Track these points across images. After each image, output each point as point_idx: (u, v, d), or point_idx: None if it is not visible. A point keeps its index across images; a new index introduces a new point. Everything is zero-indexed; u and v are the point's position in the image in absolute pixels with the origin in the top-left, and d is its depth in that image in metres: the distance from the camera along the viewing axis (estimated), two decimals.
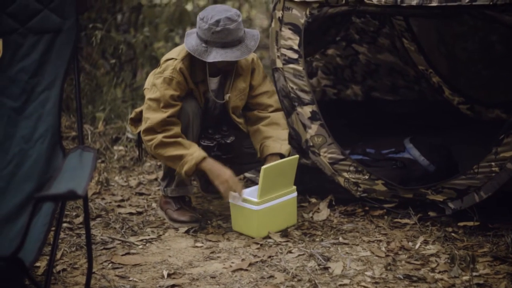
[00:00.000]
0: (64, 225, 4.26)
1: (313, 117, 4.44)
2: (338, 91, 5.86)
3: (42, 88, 3.38)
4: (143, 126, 4.16)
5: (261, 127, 4.37)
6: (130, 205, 4.71)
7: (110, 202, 4.74)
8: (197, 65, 4.24)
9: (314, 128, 4.45)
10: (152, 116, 4.13)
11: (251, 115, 4.48)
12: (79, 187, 2.61)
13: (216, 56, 4.07)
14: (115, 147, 5.68)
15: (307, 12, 4.39)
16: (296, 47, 4.43)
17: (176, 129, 4.15)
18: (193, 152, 4.10)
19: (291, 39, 4.42)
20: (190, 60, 4.22)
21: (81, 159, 3.07)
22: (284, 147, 4.26)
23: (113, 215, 4.49)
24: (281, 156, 4.23)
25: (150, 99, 4.17)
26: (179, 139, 4.13)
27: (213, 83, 4.38)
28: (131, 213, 4.55)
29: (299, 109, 4.46)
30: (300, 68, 4.44)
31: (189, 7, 7.47)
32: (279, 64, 4.48)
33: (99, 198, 4.81)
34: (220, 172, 4.12)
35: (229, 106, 4.38)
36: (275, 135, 4.31)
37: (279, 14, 4.45)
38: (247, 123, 4.49)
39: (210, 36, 4.07)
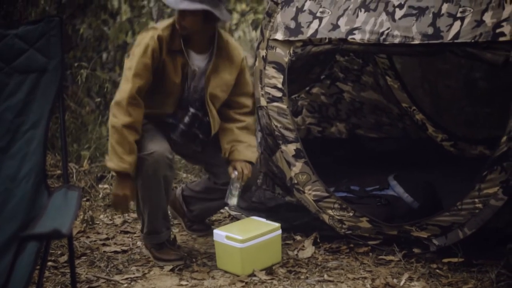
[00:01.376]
0: (49, 263, 4.24)
1: (297, 155, 4.47)
2: (323, 129, 5.89)
3: (27, 127, 3.39)
4: (115, 97, 4.21)
5: (235, 129, 4.40)
6: (115, 243, 4.69)
7: (95, 241, 4.72)
8: (176, 36, 4.21)
9: (298, 166, 4.47)
10: (123, 88, 4.17)
11: (226, 113, 4.48)
12: (63, 226, 2.61)
13: (188, 4, 4.05)
14: (100, 186, 5.66)
15: (291, 51, 4.44)
16: (280, 86, 4.47)
17: (136, 117, 4.14)
18: (122, 160, 4.09)
19: (275, 78, 4.46)
20: (171, 31, 4.21)
21: (66, 198, 3.08)
22: (254, 155, 4.34)
23: (98, 254, 4.47)
24: (250, 163, 4.32)
25: (125, 68, 4.21)
26: (129, 139, 4.11)
27: (197, 59, 4.32)
28: (116, 252, 4.52)
29: (283, 147, 4.49)
30: (284, 106, 4.48)
31: None
32: (263, 102, 4.52)
33: (84, 237, 4.79)
34: (118, 189, 4.16)
35: (206, 91, 4.32)
36: (247, 141, 4.37)
37: (263, 53, 4.50)
38: (221, 119, 4.45)
39: None
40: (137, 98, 4.14)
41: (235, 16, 8.04)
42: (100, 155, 6.15)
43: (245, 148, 4.33)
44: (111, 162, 4.10)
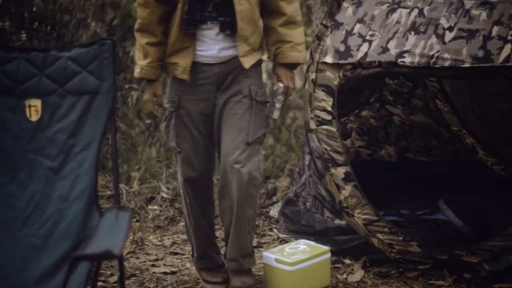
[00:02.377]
0: (99, 283, 4.28)
1: (347, 178, 4.46)
2: (372, 152, 5.87)
3: (79, 148, 3.42)
4: None
5: (278, 27, 4.02)
6: (164, 264, 4.71)
7: (145, 262, 4.74)
8: None
9: (348, 189, 4.46)
10: None
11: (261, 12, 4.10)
12: (115, 247, 2.62)
13: None
14: (149, 207, 5.69)
15: (340, 74, 4.44)
16: (329, 109, 4.47)
17: (145, 18, 3.98)
18: (137, 66, 4.05)
19: (324, 101, 4.47)
20: None
21: (117, 219, 3.09)
22: (301, 54, 4.03)
23: (148, 275, 4.49)
24: (294, 65, 4.10)
25: None
26: (141, 42, 4.01)
27: None
28: (165, 273, 4.54)
29: (333, 170, 4.48)
30: (333, 129, 4.47)
31: None
32: (312, 125, 4.52)
33: (134, 257, 4.81)
34: (144, 94, 4.15)
35: None
36: (293, 40, 4.02)
37: (312, 76, 4.51)
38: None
39: None
40: None
41: None
42: (150, 176, 6.18)
43: (291, 49, 4.00)
44: (135, 72, 4.11)
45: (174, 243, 5.07)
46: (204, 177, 4.15)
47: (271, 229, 5.19)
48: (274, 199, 5.78)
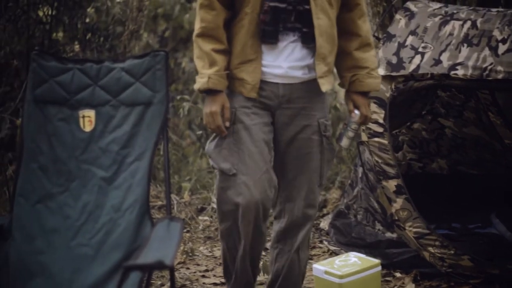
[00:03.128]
0: None
1: (398, 191, 4.43)
2: (424, 164, 5.83)
3: (132, 159, 3.45)
4: None
5: (353, 51, 3.62)
6: (214, 275, 4.71)
7: (195, 272, 4.75)
8: None
9: (399, 202, 4.44)
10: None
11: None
12: (166, 257, 2.62)
13: None
14: (200, 217, 5.71)
15: (393, 86, 4.43)
16: (381, 121, 4.45)
17: (210, 21, 3.48)
18: (201, 75, 3.49)
19: (376, 113, 4.45)
20: None
21: (169, 229, 3.10)
22: (377, 81, 3.67)
23: (198, 285, 4.51)
24: (368, 95, 3.72)
25: None
26: (204, 48, 3.48)
27: None
28: (215, 284, 4.55)
29: (384, 183, 4.46)
30: (385, 141, 4.46)
31: None
32: (364, 137, 4.50)
33: (184, 268, 4.83)
34: (206, 106, 3.56)
35: None
36: (369, 65, 3.63)
37: None
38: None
39: None
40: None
41: None
42: (200, 187, 6.20)
43: (367, 75, 3.61)
44: (197, 83, 3.55)
45: None
46: (261, 207, 3.52)
47: (321, 241, 5.17)
48: (325, 211, 5.77)
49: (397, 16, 4.56)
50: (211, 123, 3.51)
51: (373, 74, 3.63)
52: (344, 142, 3.78)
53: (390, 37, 4.52)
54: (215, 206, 5.44)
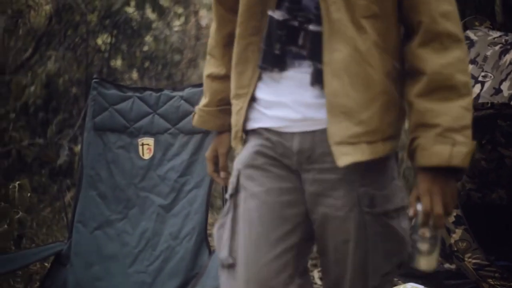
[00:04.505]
0: None
1: (457, 222, 4.38)
2: (483, 195, 5.75)
3: (190, 187, 3.49)
4: None
5: (414, 99, 2.13)
6: None
7: None
8: None
9: (458, 232, 4.38)
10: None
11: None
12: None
13: None
14: None
15: None
16: None
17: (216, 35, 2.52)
18: (199, 110, 2.60)
19: None
20: None
21: None
22: (460, 149, 2.05)
23: None
24: (447, 170, 2.09)
25: None
26: (206, 74, 2.55)
27: None
28: None
29: None
30: None
31: None
32: None
33: None
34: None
35: None
36: (442, 121, 2.07)
37: None
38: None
39: None
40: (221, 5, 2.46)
41: None
42: None
43: (436, 139, 2.07)
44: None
45: None
46: None
47: None
48: None
49: None
50: (209, 168, 2.62)
51: (450, 137, 2.06)
52: (420, 260, 2.28)
53: None
54: None
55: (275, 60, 2.19)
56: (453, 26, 2.10)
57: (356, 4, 2.09)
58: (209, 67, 2.53)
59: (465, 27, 4.45)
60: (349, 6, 2.09)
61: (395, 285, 4.54)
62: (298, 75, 2.18)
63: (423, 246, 2.19)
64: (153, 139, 3.56)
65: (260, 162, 2.24)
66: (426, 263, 2.25)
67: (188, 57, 7.24)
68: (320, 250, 2.28)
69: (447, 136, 2.05)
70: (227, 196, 2.34)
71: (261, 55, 2.21)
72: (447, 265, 4.47)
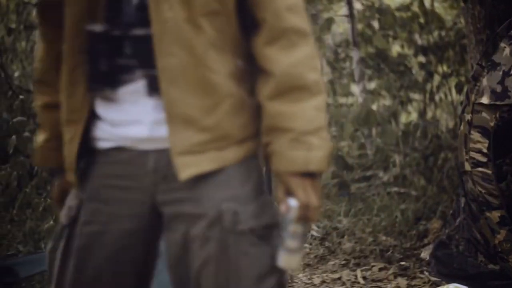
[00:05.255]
0: None
1: (502, 222, 4.20)
2: None
3: None
4: None
5: (265, 102, 1.98)
6: None
7: None
8: None
9: (502, 233, 4.19)
10: None
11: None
12: None
13: None
14: None
15: (497, 115, 4.35)
16: (485, 151, 4.34)
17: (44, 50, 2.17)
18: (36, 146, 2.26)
19: (480, 142, 4.37)
20: None
21: None
22: (316, 153, 1.94)
23: None
24: (307, 175, 1.95)
25: None
26: (38, 104, 2.21)
27: None
28: None
29: (487, 214, 4.26)
30: (489, 171, 4.30)
31: (375, 107, 6.88)
32: (467, 167, 4.41)
33: None
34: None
35: None
36: (296, 125, 1.94)
37: (468, 117, 4.46)
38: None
39: None
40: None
41: (436, 78, 7.16)
42: None
43: (292, 143, 1.94)
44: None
45: (323, 282, 4.97)
46: None
47: (422, 272, 4.81)
48: (425, 241, 5.28)
49: (502, 44, 4.43)
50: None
51: (305, 141, 1.95)
52: (284, 260, 2.01)
53: (494, 65, 4.42)
54: (314, 233, 5.49)
55: (104, 78, 1.99)
56: (300, 20, 1.97)
57: (193, 0, 1.91)
58: (42, 96, 2.18)
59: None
60: (184, 3, 1.90)
61: (439, 286, 4.50)
62: (134, 88, 1.96)
63: (293, 244, 2.00)
64: None
65: (105, 197, 2.03)
66: (291, 261, 2.04)
67: None
68: (178, 277, 2.04)
69: (302, 141, 1.94)
70: (62, 220, 2.12)
71: (88, 75, 2.00)
72: (491, 266, 4.45)
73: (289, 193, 1.95)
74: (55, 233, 2.16)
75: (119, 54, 1.95)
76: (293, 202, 1.95)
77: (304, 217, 1.95)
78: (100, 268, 2.02)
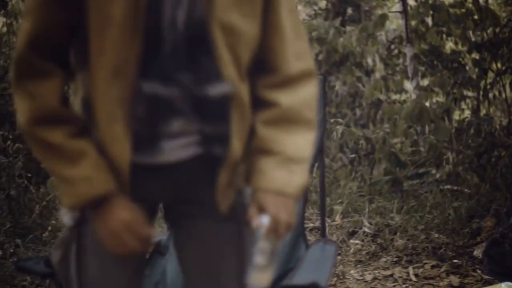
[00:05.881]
0: None
1: None
2: None
3: None
4: None
5: (259, 125, 2.12)
6: None
7: None
8: None
9: None
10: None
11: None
12: (321, 279, 2.57)
13: None
14: (351, 241, 5.49)
15: None
16: None
17: (45, 96, 1.97)
18: (70, 183, 1.98)
19: None
20: None
21: (323, 251, 3.02)
22: (295, 178, 2.08)
23: None
24: (281, 195, 2.06)
25: None
26: (52, 140, 1.97)
27: None
28: None
29: None
30: None
31: (428, 103, 6.72)
32: None
33: None
34: (106, 222, 2.01)
35: (212, 16, 1.95)
36: (281, 150, 2.08)
37: None
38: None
39: None
40: (38, 56, 1.95)
41: (490, 75, 7.05)
42: (352, 210, 5.93)
43: (276, 164, 2.08)
44: (63, 197, 2.02)
45: (375, 278, 4.93)
46: None
47: (474, 270, 4.76)
48: (478, 239, 5.18)
49: None
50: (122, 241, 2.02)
51: (288, 167, 2.09)
52: (253, 277, 2.04)
53: None
54: (366, 229, 5.50)
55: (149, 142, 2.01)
56: (306, 63, 2.16)
57: (245, 50, 2.05)
58: (61, 128, 1.98)
59: None
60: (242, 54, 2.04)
61: (491, 284, 4.46)
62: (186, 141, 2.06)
63: (262, 261, 2.03)
64: None
65: None
66: (260, 279, 2.05)
67: None
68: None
69: (287, 165, 2.07)
70: (68, 222, 2.12)
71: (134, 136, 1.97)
72: None
73: (262, 210, 2.04)
74: (60, 241, 2.16)
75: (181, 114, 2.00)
76: (264, 219, 2.02)
77: (274, 232, 2.01)
78: (102, 259, 2.07)
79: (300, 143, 2.11)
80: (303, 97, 2.14)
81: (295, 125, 2.12)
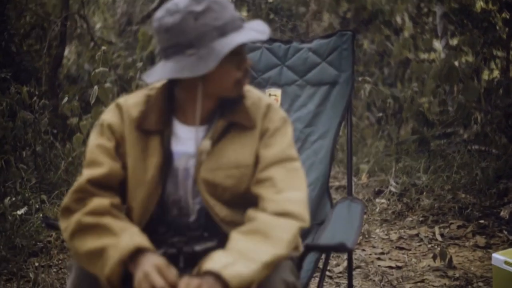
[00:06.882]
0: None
1: None
2: None
3: (315, 137, 3.47)
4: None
5: (235, 233, 2.36)
6: (390, 258, 4.68)
7: (370, 254, 4.76)
8: (155, 108, 2.55)
9: None
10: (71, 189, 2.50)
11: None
12: (348, 240, 2.57)
13: (227, 44, 2.34)
14: (377, 200, 5.48)
15: None
16: None
17: (103, 201, 2.43)
18: (121, 241, 2.33)
19: None
20: (146, 99, 2.58)
21: (350, 210, 3.04)
22: (237, 267, 2.21)
23: (373, 267, 4.54)
24: (216, 276, 2.19)
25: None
26: (105, 220, 2.39)
27: (186, 132, 2.55)
28: (390, 267, 4.54)
29: None
30: None
31: (457, 63, 6.56)
32: None
33: (360, 249, 4.83)
34: (145, 264, 2.29)
35: (198, 175, 2.48)
36: (241, 249, 2.28)
37: None
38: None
39: (192, 28, 2.35)
40: (91, 186, 2.46)
41: None
42: (378, 169, 5.91)
43: (226, 256, 2.25)
44: (107, 267, 2.31)
45: (400, 237, 4.95)
46: None
47: (500, 230, 4.76)
48: (505, 199, 5.18)
49: None
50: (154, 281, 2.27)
51: (236, 259, 2.24)
52: None
53: None
54: (392, 189, 5.49)
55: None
56: (297, 208, 2.40)
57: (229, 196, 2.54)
58: (102, 199, 2.45)
59: None
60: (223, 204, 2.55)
61: None
62: None
63: None
64: (280, 90, 3.57)
65: None
66: None
67: (313, 9, 6.84)
68: None
69: (234, 255, 2.25)
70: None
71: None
72: None
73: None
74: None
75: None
76: None
77: None
78: None
79: (261, 250, 2.28)
80: (284, 224, 2.36)
81: (265, 240, 2.31)
